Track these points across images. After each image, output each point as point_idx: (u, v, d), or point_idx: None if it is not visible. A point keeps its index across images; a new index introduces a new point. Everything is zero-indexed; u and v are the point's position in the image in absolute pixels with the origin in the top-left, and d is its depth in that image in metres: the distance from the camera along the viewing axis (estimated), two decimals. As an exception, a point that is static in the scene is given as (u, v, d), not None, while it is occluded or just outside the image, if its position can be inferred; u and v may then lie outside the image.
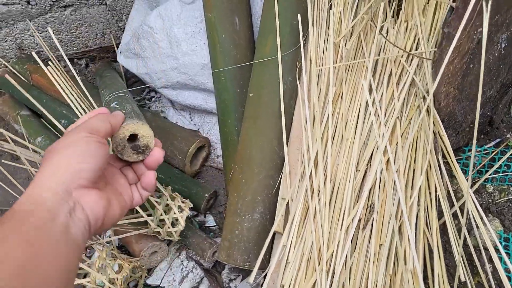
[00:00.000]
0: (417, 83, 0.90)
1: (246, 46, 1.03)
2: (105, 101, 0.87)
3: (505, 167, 0.98)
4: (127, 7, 1.39)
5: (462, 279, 0.77)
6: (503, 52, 0.85)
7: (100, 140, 0.49)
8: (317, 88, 0.94)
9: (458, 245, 0.80)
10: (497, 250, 0.82)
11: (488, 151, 1.01)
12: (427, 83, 0.90)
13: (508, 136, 1.03)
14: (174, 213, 0.90)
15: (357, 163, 0.86)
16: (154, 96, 1.37)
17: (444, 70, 0.84)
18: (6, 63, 1.40)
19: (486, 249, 0.84)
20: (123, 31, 1.48)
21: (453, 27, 0.78)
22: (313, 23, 0.95)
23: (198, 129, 1.25)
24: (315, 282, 0.78)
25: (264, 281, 0.84)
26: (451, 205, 0.90)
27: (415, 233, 0.84)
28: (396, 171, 0.83)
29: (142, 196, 0.58)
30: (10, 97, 1.39)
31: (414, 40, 0.95)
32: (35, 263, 0.36)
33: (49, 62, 1.03)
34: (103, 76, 1.18)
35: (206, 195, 1.04)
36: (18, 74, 1.38)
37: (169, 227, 0.90)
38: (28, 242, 0.37)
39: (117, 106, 0.74)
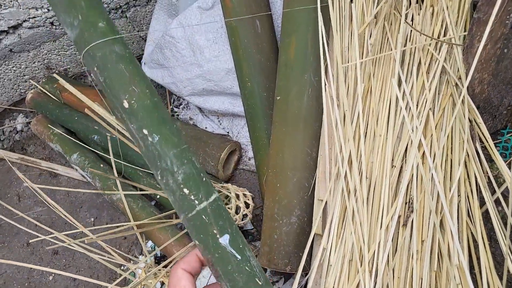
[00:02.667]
0: (448, 71, 0.87)
1: (269, 48, 1.03)
2: (184, 199, 0.51)
3: (548, 148, 0.95)
4: (146, 17, 1.41)
5: (511, 270, 0.76)
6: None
7: None
8: (344, 85, 0.92)
9: (505, 237, 0.78)
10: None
11: (528, 132, 0.97)
12: (458, 70, 0.87)
13: (549, 115, 0.99)
14: (243, 210, 1.01)
15: (392, 159, 0.85)
16: (182, 104, 1.38)
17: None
18: (36, 84, 1.44)
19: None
20: (145, 40, 1.49)
21: (483, 13, 0.75)
22: (335, 19, 0.94)
23: (228, 132, 1.25)
24: (358, 283, 0.78)
25: (307, 284, 0.84)
26: (493, 191, 0.88)
27: (458, 224, 0.82)
28: (433, 164, 0.81)
29: None
30: (43, 116, 1.43)
31: (442, 25, 0.92)
32: None
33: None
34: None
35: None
36: (48, 94, 1.41)
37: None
38: None
39: (236, 255, 0.50)
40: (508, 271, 0.76)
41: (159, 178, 0.54)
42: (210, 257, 0.50)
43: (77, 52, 1.42)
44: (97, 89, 1.53)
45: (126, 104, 0.52)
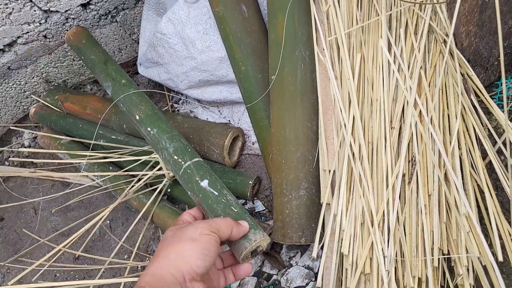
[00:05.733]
0: (435, 29, 0.89)
1: (258, 30, 1.05)
2: (175, 163, 0.81)
3: (543, 93, 0.96)
4: (136, 19, 1.43)
5: (518, 212, 0.77)
6: (517, -22, 0.83)
7: (218, 241, 0.56)
8: (337, 56, 0.94)
9: (508, 179, 0.79)
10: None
11: (522, 80, 0.99)
12: (445, 27, 0.89)
13: (540, 61, 1.01)
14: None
15: (391, 121, 0.87)
16: (181, 99, 1.40)
17: (460, 9, 0.83)
18: (38, 98, 1.47)
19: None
20: (138, 43, 1.52)
21: (460, -35, 0.77)
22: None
23: (229, 121, 1.27)
24: (372, 244, 0.80)
25: (322, 252, 0.86)
26: (494, 142, 0.90)
27: (462, 176, 0.84)
28: (430, 121, 0.83)
29: (236, 277, 0.65)
30: (49, 129, 1.46)
31: (424, -15, 0.94)
32: None
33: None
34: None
35: (250, 182, 1.07)
36: (51, 106, 1.44)
37: None
38: None
39: (214, 192, 0.72)
40: (515, 212, 0.78)
41: (160, 155, 0.86)
42: (197, 198, 0.73)
43: (73, 62, 1.44)
44: (98, 96, 1.56)
45: (137, 117, 0.93)
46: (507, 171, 0.85)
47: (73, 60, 1.44)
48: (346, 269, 0.82)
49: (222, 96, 1.21)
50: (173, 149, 0.82)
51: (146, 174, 1.05)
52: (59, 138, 1.40)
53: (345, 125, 0.87)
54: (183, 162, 0.78)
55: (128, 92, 0.97)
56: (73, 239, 1.09)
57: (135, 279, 1.08)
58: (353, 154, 0.85)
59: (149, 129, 0.89)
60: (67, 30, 1.31)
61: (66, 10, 1.25)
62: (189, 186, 0.75)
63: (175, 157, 0.80)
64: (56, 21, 1.27)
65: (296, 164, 0.92)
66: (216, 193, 0.71)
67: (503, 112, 0.95)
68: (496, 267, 0.72)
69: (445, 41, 0.88)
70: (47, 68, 1.42)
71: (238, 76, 1.06)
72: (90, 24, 1.34)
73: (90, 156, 1.25)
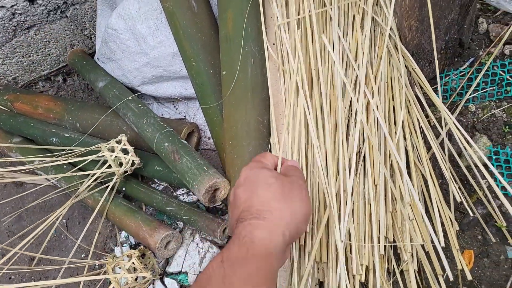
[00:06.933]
0: (380, 22, 0.91)
1: (208, 25, 1.04)
2: (159, 125, 1.06)
3: (483, 84, 1.00)
4: (87, 14, 1.39)
5: (458, 199, 0.81)
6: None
7: None
8: (287, 50, 0.95)
9: (445, 162, 0.83)
10: (487, 166, 0.85)
11: (464, 72, 1.03)
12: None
13: (480, 53, 1.05)
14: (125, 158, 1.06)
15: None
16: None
17: (402, 4, 0.86)
18: (-14, 97, 1.42)
19: (476, 166, 0.87)
20: (91, 39, 1.49)
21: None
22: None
23: (185, 116, 1.27)
24: (321, 236, 0.82)
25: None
26: (438, 133, 0.93)
27: (408, 167, 0.87)
28: (378, 112, 0.86)
29: None
30: (-2, 128, 1.41)
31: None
32: None
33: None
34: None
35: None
36: (0, 107, 1.39)
37: None
38: (270, 280, 0.48)
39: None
40: (455, 198, 0.81)
41: (144, 120, 1.08)
42: (175, 147, 0.98)
43: (23, 59, 1.40)
44: (51, 95, 1.52)
45: (130, 98, 1.14)
46: (445, 154, 0.89)
47: (23, 57, 1.39)
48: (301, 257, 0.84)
49: (176, 91, 1.20)
50: (159, 118, 1.09)
51: (96, 172, 1.03)
52: (10, 137, 1.36)
53: (294, 120, 0.88)
54: (167, 126, 1.05)
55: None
56: (30, 241, 1.07)
57: (94, 277, 1.07)
58: (307, 143, 0.86)
59: (139, 105, 1.12)
60: (14, 26, 1.27)
61: (12, 5, 1.21)
62: (170, 139, 1.01)
63: (161, 123, 1.06)
64: (2, 17, 1.22)
65: (248, 159, 0.92)
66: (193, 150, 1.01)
67: (445, 103, 1.00)
68: (441, 251, 0.75)
69: (390, 36, 0.91)
70: (-5, 65, 1.37)
71: (190, 72, 1.05)
72: (38, 19, 1.30)
73: (42, 158, 1.22)
